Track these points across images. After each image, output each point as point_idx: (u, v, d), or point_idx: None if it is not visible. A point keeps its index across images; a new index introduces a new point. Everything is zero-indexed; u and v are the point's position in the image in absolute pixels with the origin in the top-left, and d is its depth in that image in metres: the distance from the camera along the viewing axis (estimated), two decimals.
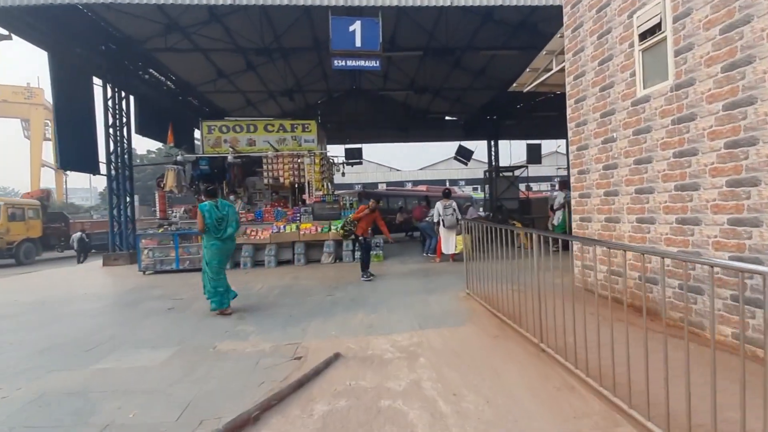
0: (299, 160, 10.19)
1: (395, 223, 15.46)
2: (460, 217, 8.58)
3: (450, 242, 8.44)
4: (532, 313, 3.56)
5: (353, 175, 36.66)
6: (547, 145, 29.38)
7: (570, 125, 5.80)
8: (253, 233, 9.15)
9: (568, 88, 5.77)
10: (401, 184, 37.96)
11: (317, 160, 10.16)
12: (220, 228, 5.10)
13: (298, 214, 9.48)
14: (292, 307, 5.47)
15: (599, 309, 2.67)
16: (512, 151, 21.33)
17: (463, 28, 11.79)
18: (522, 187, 16.42)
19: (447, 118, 21.43)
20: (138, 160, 32.91)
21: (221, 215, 5.12)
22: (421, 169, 41.79)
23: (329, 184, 10.58)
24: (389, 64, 15.55)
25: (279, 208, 9.68)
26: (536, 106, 18.39)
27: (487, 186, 19.29)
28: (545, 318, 3.37)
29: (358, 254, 9.10)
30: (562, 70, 6.55)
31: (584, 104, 5.36)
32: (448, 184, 41.22)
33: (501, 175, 15.26)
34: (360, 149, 20.83)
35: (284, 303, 5.70)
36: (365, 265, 7.26)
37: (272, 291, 6.52)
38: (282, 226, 9.06)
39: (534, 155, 20.19)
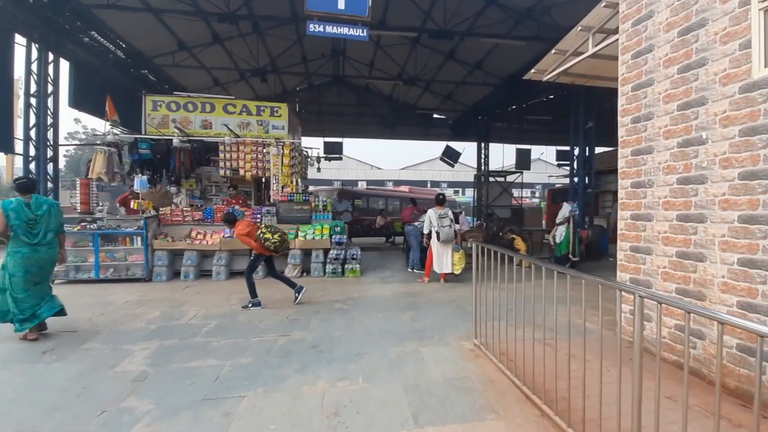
0: (264, 150, 8.38)
1: (374, 227, 13.82)
2: (457, 228, 7.02)
3: (445, 260, 6.87)
4: (582, 394, 2.01)
5: (332, 171, 34.82)
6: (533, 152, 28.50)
7: (623, 120, 4.29)
8: (199, 237, 7.31)
9: (622, 70, 4.26)
10: (382, 183, 36.34)
11: (287, 151, 8.39)
12: (33, 232, 4.10)
13: (259, 215, 7.69)
14: (224, 356, 3.74)
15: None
16: (498, 156, 20.05)
17: (463, 9, 10.24)
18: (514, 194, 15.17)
19: (435, 116, 19.95)
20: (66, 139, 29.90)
21: (33, 216, 4.10)
22: (402, 168, 40.29)
23: (299, 180, 8.81)
24: (377, 49, 13.88)
25: (236, 207, 7.85)
26: (530, 108, 17.15)
27: (475, 191, 17.91)
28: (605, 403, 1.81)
29: (330, 267, 7.42)
30: (595, 55, 5.08)
31: (649, 91, 3.86)
32: (429, 185, 39.91)
33: (493, 179, 13.84)
34: (340, 144, 19.10)
35: (215, 349, 3.95)
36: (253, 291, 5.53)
37: (206, 323, 4.75)
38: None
39: (523, 161, 18.97)
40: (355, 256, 7.61)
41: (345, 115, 19.14)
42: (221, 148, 8.27)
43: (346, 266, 7.54)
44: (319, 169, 11.89)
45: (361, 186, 31.16)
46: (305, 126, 18.89)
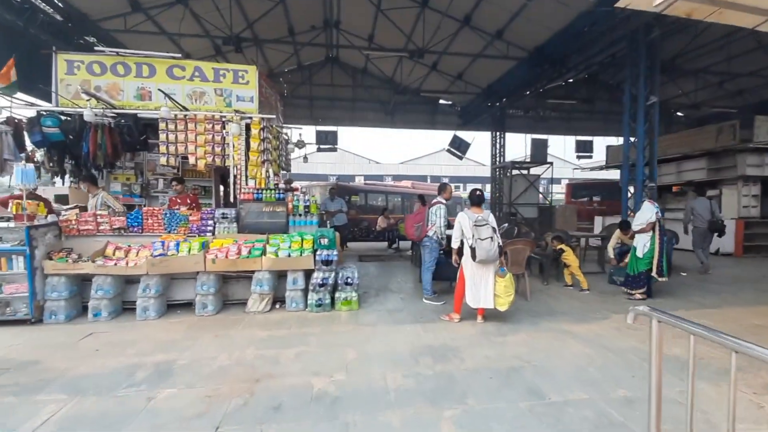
0: (224, 130, 5.93)
1: (374, 229, 11.39)
2: (501, 242, 4.61)
3: (484, 290, 4.44)
4: None
5: (327, 166, 32.34)
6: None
7: None
8: (117, 255, 4.86)
9: None
10: (380, 178, 33.86)
11: (255, 131, 5.95)
12: None
13: (211, 222, 5.26)
14: None
15: None
16: (510, 147, 17.61)
17: None
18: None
19: (442, 101, 17.51)
20: None
21: None
22: (402, 162, 37.84)
23: (273, 171, 6.35)
24: (377, 15, 11.38)
25: (177, 210, 5.40)
26: (550, 92, 14.74)
27: (494, 185, 15.47)
28: None
29: (314, 297, 5.02)
30: None
31: None
32: (429, 180, 37.50)
33: (517, 173, 11.41)
34: (335, 133, 16.57)
35: None
36: None
37: None
38: (173, 244, 4.80)
39: (539, 152, 16.56)
40: (350, 281, 5.18)
41: (340, 100, 16.66)
42: (162, 126, 5.80)
43: (337, 295, 5.14)
44: (306, 159, 9.48)
45: (359, 182, 28.73)
46: (294, 113, 16.42)
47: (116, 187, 6.83)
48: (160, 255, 4.72)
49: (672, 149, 11.94)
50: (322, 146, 16.60)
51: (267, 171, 6.15)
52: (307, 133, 16.19)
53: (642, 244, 5.58)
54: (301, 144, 10.33)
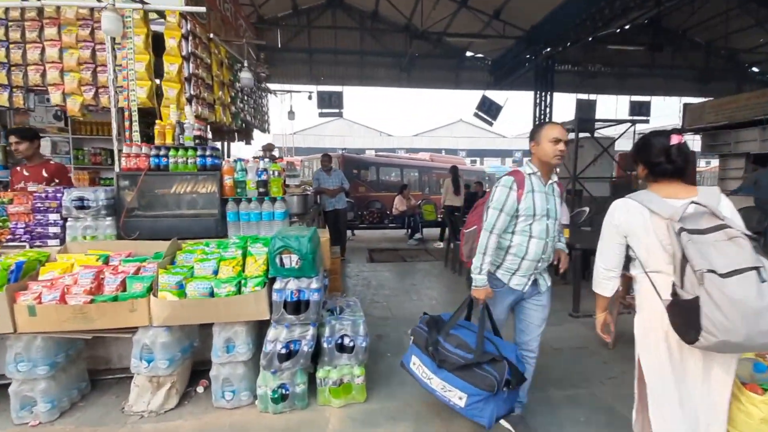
0: (117, 44, 3.03)
1: (389, 213, 8.52)
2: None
3: (706, 413, 1.60)
4: None
5: (334, 139, 29.20)
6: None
7: None
8: None
9: None
10: (392, 151, 30.72)
11: (174, 42, 3.07)
12: None
13: (57, 217, 2.46)
14: None
15: None
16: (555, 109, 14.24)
17: None
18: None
19: (469, 54, 14.16)
20: None
21: None
22: (416, 135, 34.41)
23: (200, 109, 3.43)
24: None
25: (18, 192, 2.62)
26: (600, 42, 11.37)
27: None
28: None
29: (275, 382, 2.20)
30: None
31: None
32: (444, 153, 34.16)
33: (584, 136, 8.16)
34: (339, 94, 13.51)
35: None
36: None
37: None
38: None
39: (586, 115, 13.32)
40: (350, 341, 2.37)
41: (345, 54, 13.46)
42: None
43: (321, 373, 2.34)
44: (291, 114, 6.56)
45: (370, 155, 25.55)
46: (290, 69, 13.37)
47: None
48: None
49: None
50: (324, 111, 13.63)
51: (200, 113, 3.29)
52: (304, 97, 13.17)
53: None
54: (291, 115, 7.41)
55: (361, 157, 14.65)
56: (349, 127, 31.19)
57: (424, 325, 2.25)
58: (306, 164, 14.94)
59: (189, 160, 2.64)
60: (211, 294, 2.20)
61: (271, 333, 2.26)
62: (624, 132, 8.15)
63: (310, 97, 10.15)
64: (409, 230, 7.98)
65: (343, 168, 11.37)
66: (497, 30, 11.60)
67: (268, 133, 6.09)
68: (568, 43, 10.96)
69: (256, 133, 6.27)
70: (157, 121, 2.71)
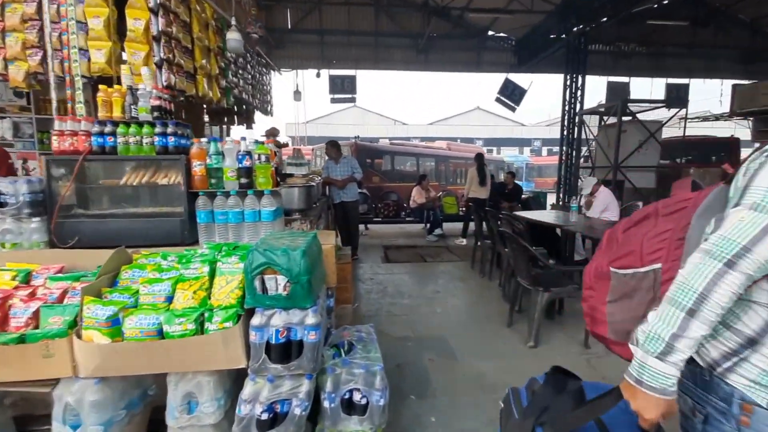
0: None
1: (406, 205, 7.76)
2: None
3: None
4: None
5: (348, 128, 28.35)
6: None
7: None
8: None
9: None
10: (407, 140, 29.80)
11: None
12: None
13: None
14: None
15: None
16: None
17: None
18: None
19: (491, 33, 13.11)
20: None
21: None
22: (430, 123, 33.27)
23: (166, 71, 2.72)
24: None
25: None
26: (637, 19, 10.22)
27: (567, 140, 11.22)
28: None
29: None
30: None
31: None
32: (459, 142, 32.96)
33: (627, 119, 7.09)
34: (353, 78, 12.70)
35: None
36: None
37: None
38: None
39: (617, 100, 12.19)
40: (362, 398, 1.66)
41: (358, 35, 12.59)
42: None
43: None
44: (298, 95, 5.87)
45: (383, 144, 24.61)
46: (299, 52, 12.57)
47: None
48: None
49: None
50: (336, 96, 12.84)
51: (172, 83, 2.58)
52: (314, 79, 12.38)
53: None
54: (298, 96, 6.64)
55: (374, 145, 13.85)
56: (362, 116, 30.38)
57: (526, 395, 1.26)
58: (318, 153, 14.23)
59: (144, 140, 1.93)
60: (161, 334, 1.50)
61: (247, 389, 1.55)
62: (673, 116, 7.16)
63: (318, 75, 9.37)
64: (428, 225, 7.21)
65: (357, 157, 10.67)
66: (525, 4, 10.57)
67: (271, 115, 5.38)
68: (604, 18, 9.88)
69: (258, 117, 5.57)
70: (101, 88, 1.99)
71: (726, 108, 11.83)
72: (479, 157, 6.64)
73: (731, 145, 10.96)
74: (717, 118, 11.38)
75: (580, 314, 3.38)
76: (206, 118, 4.90)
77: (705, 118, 12.84)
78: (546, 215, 5.09)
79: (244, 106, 5.14)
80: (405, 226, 8.17)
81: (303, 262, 1.57)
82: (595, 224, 4.39)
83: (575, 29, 10.48)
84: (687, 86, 13.84)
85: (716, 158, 10.57)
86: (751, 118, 10.09)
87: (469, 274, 4.98)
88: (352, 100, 13.13)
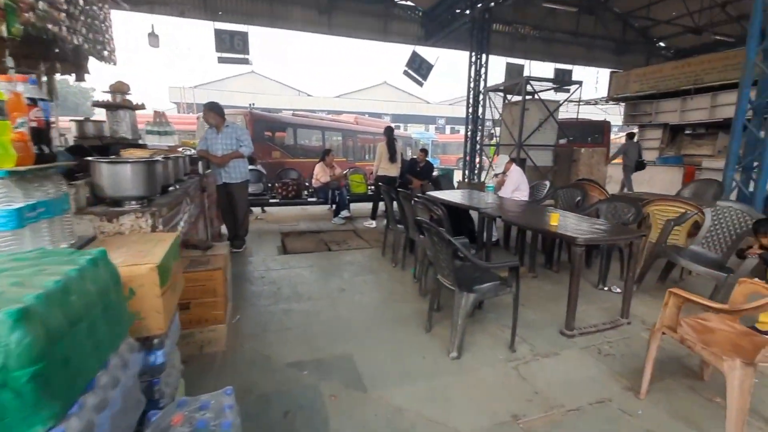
0: None
1: (307, 185, 6.83)
2: None
3: None
4: None
5: (246, 97, 25.53)
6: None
7: None
8: None
9: None
10: (314, 113, 28.08)
11: None
12: None
13: None
14: None
15: None
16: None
17: None
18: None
19: (398, 1, 12.42)
20: None
21: None
22: (338, 96, 31.86)
23: None
24: None
25: None
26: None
27: (466, 125, 11.25)
28: None
29: None
30: None
31: None
32: (367, 117, 32.34)
33: (531, 98, 6.98)
34: (244, 36, 10.93)
35: None
36: None
37: None
38: None
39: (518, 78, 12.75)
40: None
41: None
42: None
43: None
44: (154, 39, 4.50)
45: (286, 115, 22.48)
46: None
47: None
48: None
49: (711, 76, 8.72)
50: (225, 55, 11.00)
51: None
52: (202, 38, 10.34)
53: None
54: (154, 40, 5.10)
55: (274, 115, 12.33)
56: (261, 84, 27.67)
57: None
58: (199, 116, 12.21)
59: None
60: None
61: None
62: (570, 95, 7.43)
63: (182, 13, 7.64)
64: (334, 206, 6.44)
65: (252, 129, 9.23)
66: None
67: (113, 64, 3.92)
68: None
69: (94, 64, 4.04)
70: None
71: (600, 94, 13.19)
72: (389, 130, 6.02)
73: (604, 127, 12.23)
74: (596, 102, 12.53)
75: (501, 307, 2.94)
76: (10, 61, 3.32)
77: (587, 102, 14.15)
78: (461, 196, 4.71)
79: (74, 49, 3.62)
80: (308, 207, 7.27)
81: (22, 340, 0.68)
82: (508, 205, 4.12)
83: (479, 5, 10.38)
84: (571, 72, 15.11)
85: (591, 139, 11.68)
86: (623, 104, 11.27)
87: (379, 263, 4.39)
88: (245, 61, 11.37)
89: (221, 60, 11.10)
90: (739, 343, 1.94)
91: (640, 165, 8.28)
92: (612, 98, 11.23)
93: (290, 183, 6.23)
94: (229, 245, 4.28)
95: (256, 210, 7.13)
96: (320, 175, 6.35)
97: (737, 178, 5.20)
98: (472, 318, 2.99)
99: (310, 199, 6.40)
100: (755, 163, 5.04)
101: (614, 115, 16.50)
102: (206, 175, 4.34)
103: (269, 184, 6.58)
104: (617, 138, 18.00)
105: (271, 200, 6.20)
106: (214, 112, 4.50)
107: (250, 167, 6.66)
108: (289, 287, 3.61)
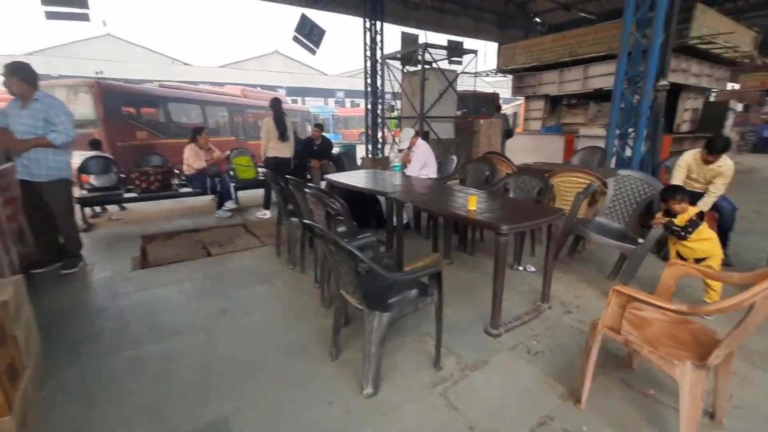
0: None
1: (177, 171, 5.55)
2: None
3: None
4: None
5: (101, 64, 21.01)
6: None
7: None
8: None
9: None
10: (192, 85, 24.52)
11: None
12: None
13: None
14: None
15: None
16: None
17: None
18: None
19: None
20: None
21: None
22: (222, 66, 28.26)
23: None
24: None
25: None
26: None
27: (366, 97, 10.51)
28: None
29: None
30: None
31: None
32: (259, 89, 29.60)
33: (430, 68, 6.54)
34: None
35: None
36: None
37: None
38: None
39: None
40: None
41: None
42: None
43: None
44: None
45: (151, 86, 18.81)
46: None
47: None
48: None
49: (583, 49, 9.43)
50: (54, 9, 8.49)
51: None
52: None
53: None
54: None
55: (132, 87, 9.94)
56: (121, 50, 23.15)
57: None
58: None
59: None
60: None
61: None
62: (467, 64, 7.26)
63: None
64: (216, 196, 5.33)
65: (101, 105, 7.30)
66: None
67: None
68: None
69: None
70: None
71: (489, 67, 13.67)
72: (276, 102, 5.06)
73: (494, 99, 12.76)
74: (488, 74, 12.94)
75: (419, 310, 2.25)
76: None
77: (485, 74, 14.59)
78: (365, 178, 4.11)
79: None
80: (187, 199, 5.98)
81: None
82: (418, 187, 3.66)
83: None
84: (462, 44, 15.39)
85: (485, 110, 12.09)
86: (511, 76, 11.78)
87: (274, 267, 3.61)
88: (83, 17, 8.86)
89: (50, 15, 8.50)
90: (677, 335, 1.73)
91: (509, 134, 9.29)
92: (501, 70, 11.64)
93: (151, 172, 4.91)
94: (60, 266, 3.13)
95: (112, 208, 5.62)
96: (192, 159, 5.13)
97: (616, 143, 5.55)
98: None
99: (182, 191, 5.17)
100: (630, 130, 5.41)
101: (504, 88, 17.52)
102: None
103: (122, 176, 5.14)
104: (506, 109, 19.21)
105: (126, 195, 4.84)
106: (16, 77, 3.12)
107: (96, 153, 5.15)
108: (144, 320, 2.65)
